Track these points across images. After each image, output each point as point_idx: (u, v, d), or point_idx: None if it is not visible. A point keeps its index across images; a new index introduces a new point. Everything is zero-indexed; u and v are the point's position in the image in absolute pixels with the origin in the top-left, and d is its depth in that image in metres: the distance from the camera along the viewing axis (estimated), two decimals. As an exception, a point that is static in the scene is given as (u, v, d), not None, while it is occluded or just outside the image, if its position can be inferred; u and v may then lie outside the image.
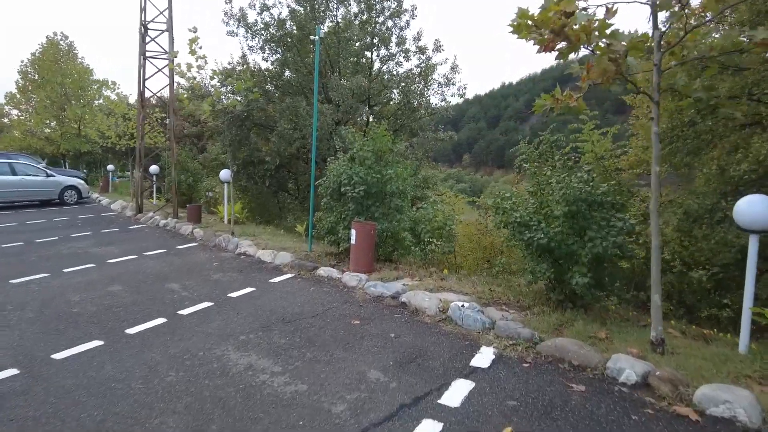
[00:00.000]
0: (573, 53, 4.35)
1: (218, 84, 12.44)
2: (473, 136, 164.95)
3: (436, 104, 12.89)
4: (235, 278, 7.35)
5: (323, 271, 7.29)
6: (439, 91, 12.76)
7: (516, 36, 4.50)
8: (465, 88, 12.90)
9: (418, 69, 12.53)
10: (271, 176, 16.13)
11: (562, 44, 4.26)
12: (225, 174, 14.00)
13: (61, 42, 29.26)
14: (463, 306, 5.32)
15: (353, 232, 7.38)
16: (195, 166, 21.31)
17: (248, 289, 6.69)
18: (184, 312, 5.76)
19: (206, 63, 10.05)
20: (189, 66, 9.83)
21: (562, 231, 5.48)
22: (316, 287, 6.77)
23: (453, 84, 12.80)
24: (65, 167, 34.56)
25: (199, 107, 10.82)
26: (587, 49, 4.32)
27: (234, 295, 6.45)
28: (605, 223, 5.51)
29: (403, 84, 12.11)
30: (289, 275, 7.49)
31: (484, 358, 4.42)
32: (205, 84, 12.21)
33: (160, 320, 5.46)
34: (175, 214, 15.28)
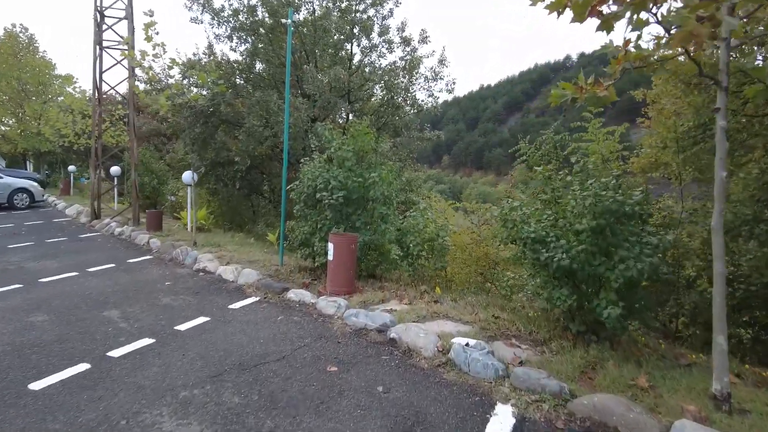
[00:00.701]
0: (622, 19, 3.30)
1: (180, 76, 11.15)
2: (452, 138, 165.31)
3: (422, 100, 11.90)
4: (188, 303, 6.13)
5: (294, 294, 6.12)
6: (425, 86, 11.74)
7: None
8: (454, 83, 11.89)
9: (403, 62, 11.48)
10: (242, 178, 14.84)
11: (613, 7, 3.21)
12: (187, 176, 12.66)
13: (21, 34, 27.19)
14: (467, 345, 4.25)
15: (330, 246, 6.25)
16: (160, 167, 19.82)
17: (201, 319, 5.48)
18: (116, 353, 4.55)
19: (165, 51, 8.73)
20: (144, 54, 8.51)
21: (587, 249, 4.47)
22: (285, 315, 5.60)
23: (441, 78, 11.77)
24: (27, 168, 32.45)
25: (156, 101, 9.53)
26: (651, 15, 3.29)
27: (183, 327, 5.24)
28: (636, 239, 4.54)
29: (387, 78, 11.03)
30: (253, 299, 6.30)
31: (502, 423, 3.35)
32: (163, 75, 10.93)
33: (83, 367, 4.24)
34: (136, 221, 13.86)
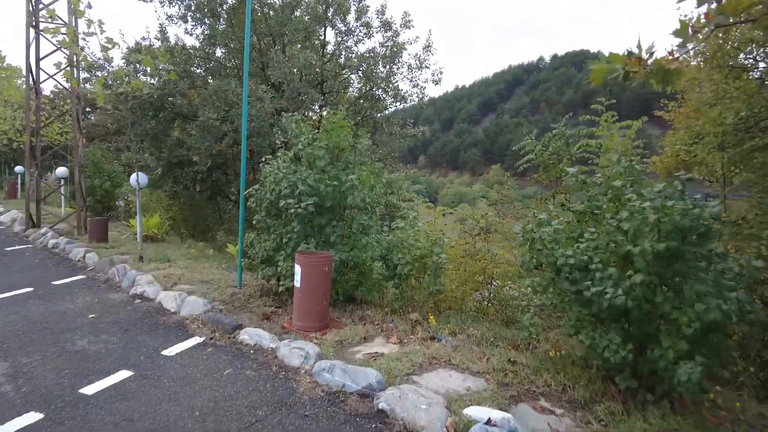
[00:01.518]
0: None
1: (123, 61, 9.54)
2: (428, 138, 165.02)
3: (406, 91, 10.60)
4: (109, 347, 4.66)
5: (248, 335, 4.70)
6: (409, 76, 10.45)
7: None
8: (441, 73, 10.62)
9: (384, 48, 10.18)
10: (203, 180, 13.23)
11: None
12: (134, 179, 11.04)
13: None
14: (490, 424, 2.97)
15: (297, 268, 4.89)
16: (114, 167, 17.95)
17: (121, 374, 4.04)
18: (-26, 443, 3.10)
19: (103, 31, 7.14)
20: (71, 32, 6.93)
21: (645, 281, 3.26)
22: (234, 368, 4.20)
23: (426, 67, 10.49)
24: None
25: (96, 89, 7.99)
26: None
27: (92, 389, 3.79)
28: (707, 264, 3.38)
29: (365, 66, 9.70)
30: (196, 339, 4.87)
31: None
32: (104, 60, 9.30)
33: None
34: (81, 229, 12.16)
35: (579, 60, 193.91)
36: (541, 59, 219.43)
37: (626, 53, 3.30)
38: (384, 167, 13.10)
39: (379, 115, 11.02)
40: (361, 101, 10.62)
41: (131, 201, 14.91)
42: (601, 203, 3.83)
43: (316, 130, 6.13)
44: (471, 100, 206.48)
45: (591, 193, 3.93)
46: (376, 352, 4.40)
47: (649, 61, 3.25)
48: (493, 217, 8.00)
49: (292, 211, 5.33)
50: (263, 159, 6.03)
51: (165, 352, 4.51)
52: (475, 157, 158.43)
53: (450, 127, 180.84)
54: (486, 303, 7.43)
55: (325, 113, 5.97)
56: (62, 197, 16.94)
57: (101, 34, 6.64)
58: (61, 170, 16.48)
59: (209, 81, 9.26)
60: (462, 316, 6.50)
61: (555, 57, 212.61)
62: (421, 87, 10.62)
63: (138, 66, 9.25)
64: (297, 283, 4.89)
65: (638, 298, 3.28)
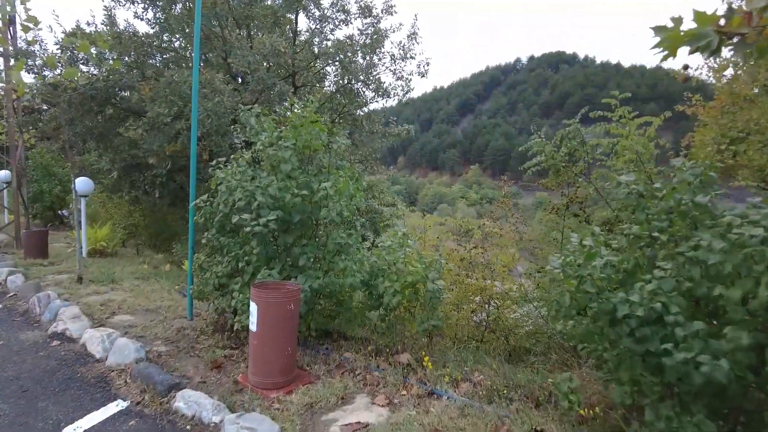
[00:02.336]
0: None
1: (57, 48, 8.15)
2: (407, 139, 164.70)
3: (389, 84, 9.45)
4: (-9, 421, 3.40)
5: (186, 402, 3.47)
6: (392, 67, 9.32)
7: None
8: (428, 64, 9.48)
9: (363, 36, 9.03)
10: (163, 184, 11.86)
11: None
12: (81, 184, 9.65)
13: None
14: None
15: (253, 307, 3.72)
16: (67, 171, 16.35)
17: (-10, 475, 2.81)
18: None
19: (28, 9, 5.80)
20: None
21: (751, 343, 2.23)
22: (159, 457, 3.01)
23: (412, 57, 9.36)
24: None
25: (14, 77, 6.65)
26: None
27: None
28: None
29: (342, 56, 8.53)
30: (118, 405, 3.64)
31: None
32: (36, 46, 7.91)
33: None
34: (20, 242, 10.70)
35: (555, 61, 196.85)
36: (518, 60, 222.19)
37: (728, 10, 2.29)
38: (365, 169, 11.96)
39: (359, 111, 9.85)
40: (339, 96, 9.46)
41: (90, 208, 13.43)
42: (666, 225, 2.78)
43: (283, 128, 4.97)
44: (449, 101, 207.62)
45: (652, 211, 2.87)
46: (359, 423, 3.27)
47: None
48: (491, 227, 6.95)
49: (248, 229, 4.16)
50: (214, 162, 4.83)
51: (69, 429, 3.28)
52: (454, 158, 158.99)
53: (429, 127, 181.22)
54: (484, 327, 6.38)
55: (293, 106, 4.81)
56: (4, 204, 15.29)
57: (25, 12, 5.33)
58: (3, 173, 14.84)
59: (165, 73, 7.99)
60: (460, 350, 5.43)
61: (531, 58, 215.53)
62: (406, 79, 9.52)
63: (75, 53, 7.89)
64: (253, 326, 3.72)
65: (741, 368, 2.25)
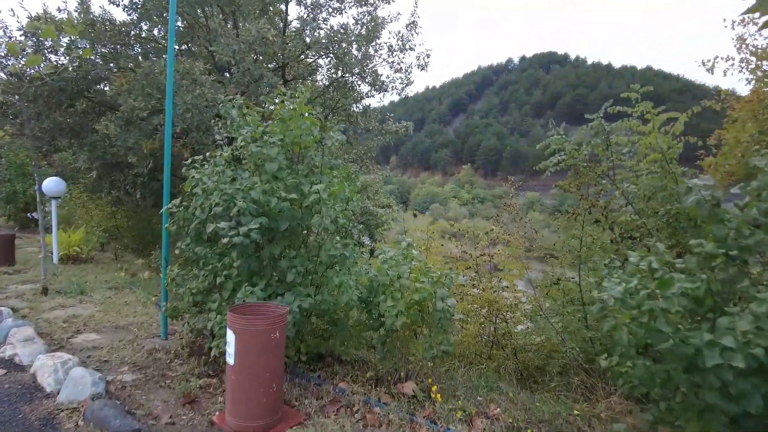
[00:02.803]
0: None
1: (22, 35, 7.40)
2: (400, 138, 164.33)
3: (387, 77, 8.81)
4: None
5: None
6: (390, 59, 8.64)
7: None
8: (428, 56, 8.84)
9: (359, 26, 8.38)
10: (145, 184, 11.12)
11: None
12: (50, 185, 8.95)
13: None
14: None
15: (230, 336, 3.09)
16: (45, 171, 15.52)
17: None
18: None
19: None
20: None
21: None
22: None
23: (411, 48, 8.70)
24: None
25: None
26: None
27: None
28: None
29: (335, 47, 7.87)
30: (62, 458, 2.99)
31: None
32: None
33: None
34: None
35: (546, 61, 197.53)
36: (509, 60, 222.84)
37: None
38: (359, 169, 11.33)
39: (354, 107, 9.19)
40: (332, 90, 8.81)
41: (64, 210, 12.67)
42: (753, 241, 2.19)
43: (270, 122, 4.34)
44: (441, 101, 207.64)
45: (733, 225, 2.28)
46: (359, 482, 2.65)
47: None
48: (499, 232, 6.36)
49: (226, 240, 3.52)
50: (188, 161, 4.18)
51: (-6, 495, 2.62)
52: (446, 158, 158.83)
53: (421, 127, 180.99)
54: (491, 345, 5.79)
55: (282, 97, 4.17)
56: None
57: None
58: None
59: (142, 64, 7.29)
60: (468, 372, 4.84)
61: (523, 58, 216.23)
62: (406, 71, 8.87)
63: (42, 41, 7.16)
64: (230, 358, 3.09)
65: None
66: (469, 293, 5.90)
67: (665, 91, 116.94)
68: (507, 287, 5.85)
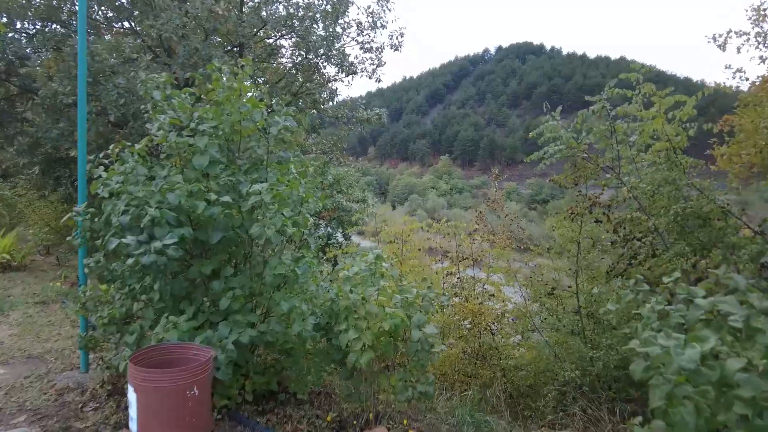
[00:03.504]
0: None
1: None
2: (377, 129, 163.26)
3: (356, 57, 7.90)
4: None
5: None
6: (359, 39, 7.75)
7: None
8: (402, 36, 8.01)
9: (324, 1, 7.44)
10: (91, 180, 9.90)
11: None
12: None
13: None
14: None
15: (132, 397, 2.25)
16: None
17: None
18: None
19: None
20: None
21: None
22: None
23: (383, 26, 7.81)
24: None
25: None
26: None
27: None
28: None
29: (297, 24, 6.93)
30: None
31: None
32: None
33: None
34: None
35: (522, 51, 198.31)
36: (486, 51, 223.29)
37: None
38: (329, 161, 10.45)
39: (321, 94, 8.25)
40: (295, 72, 7.89)
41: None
42: None
43: (200, 100, 3.48)
44: (419, 91, 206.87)
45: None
46: None
47: None
48: (483, 232, 5.64)
49: (131, 260, 2.68)
50: (91, 158, 3.29)
51: None
52: (424, 148, 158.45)
53: (399, 118, 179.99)
54: (476, 362, 5.08)
55: (216, 74, 3.31)
56: None
57: None
58: None
59: (68, 42, 6.26)
60: (452, 402, 4.13)
61: (500, 48, 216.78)
62: (377, 51, 7.98)
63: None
64: (132, 425, 2.26)
65: None
66: (450, 302, 5.16)
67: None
68: (493, 295, 5.14)
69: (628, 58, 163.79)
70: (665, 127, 4.21)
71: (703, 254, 4.11)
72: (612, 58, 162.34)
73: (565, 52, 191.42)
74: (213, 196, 2.98)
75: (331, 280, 3.67)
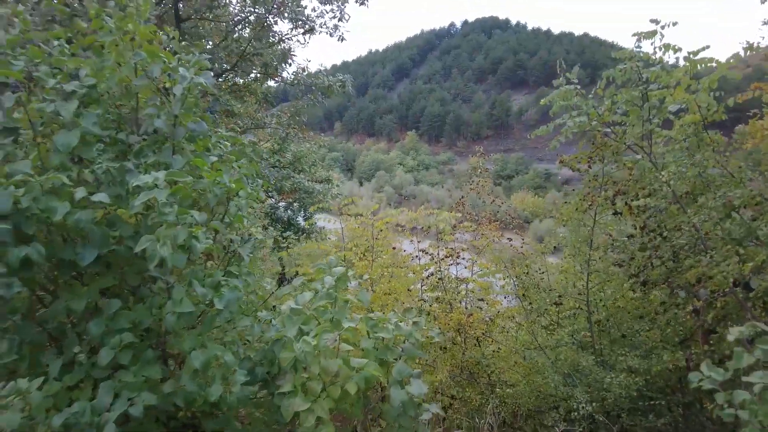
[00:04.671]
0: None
1: None
2: (343, 104, 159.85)
3: (314, 11, 6.67)
4: None
5: None
6: (317, -10, 6.50)
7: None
8: (367, -19, 6.82)
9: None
10: None
11: None
12: None
13: None
14: None
15: None
16: None
17: None
18: None
19: None
20: None
21: None
22: None
23: (344, -33, 6.58)
24: None
25: None
26: None
27: None
28: None
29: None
30: None
31: None
32: None
33: None
34: None
35: (489, 26, 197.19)
36: (452, 25, 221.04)
37: None
38: (286, 136, 9.26)
39: (272, 54, 6.92)
40: (242, 30, 6.58)
41: None
42: None
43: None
44: (385, 65, 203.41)
45: None
46: None
47: None
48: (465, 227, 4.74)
49: None
50: None
51: None
52: (390, 124, 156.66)
53: (365, 92, 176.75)
54: (464, 382, 4.25)
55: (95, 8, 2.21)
56: None
57: None
58: None
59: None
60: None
61: (465, 23, 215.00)
62: (339, 2, 6.68)
63: None
64: None
65: None
66: (431, 308, 4.28)
67: (600, 57, 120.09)
68: (482, 299, 4.29)
69: (592, 34, 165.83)
70: (701, 95, 3.36)
71: (737, 252, 3.36)
72: (576, 34, 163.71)
73: (530, 27, 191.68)
74: (81, 193, 1.92)
75: (274, 308, 2.66)
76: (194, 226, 1.95)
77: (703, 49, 3.43)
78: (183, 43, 2.44)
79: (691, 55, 3.50)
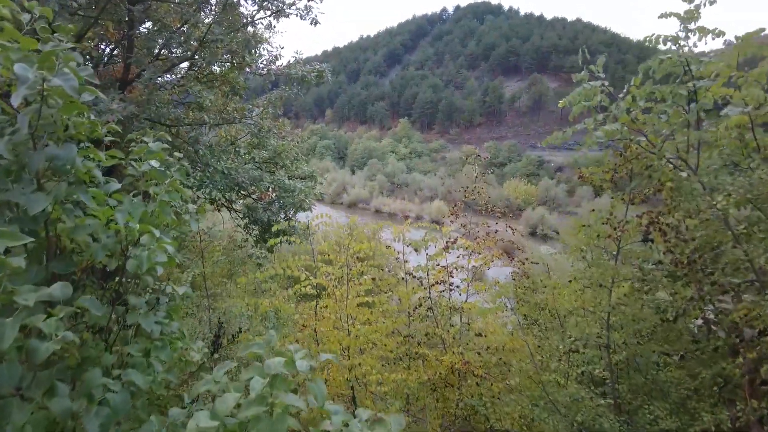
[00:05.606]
0: None
1: None
2: (335, 90, 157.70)
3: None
4: None
5: None
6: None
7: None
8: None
9: None
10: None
11: None
12: None
13: None
14: None
15: None
16: None
17: None
18: None
19: None
20: None
21: None
22: None
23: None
24: None
25: None
26: None
27: None
28: None
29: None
30: None
31: None
32: None
33: None
34: None
35: (481, 11, 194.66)
36: (444, 10, 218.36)
37: None
38: (269, 131, 8.47)
39: (237, 44, 6.03)
40: (200, 14, 5.74)
41: None
42: None
43: None
44: (376, 51, 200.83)
45: None
46: None
47: None
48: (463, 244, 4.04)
49: None
50: None
51: None
52: (382, 111, 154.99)
53: (357, 79, 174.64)
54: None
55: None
56: None
57: None
58: None
59: None
60: None
61: (458, 8, 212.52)
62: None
63: None
64: None
65: None
66: (419, 348, 3.60)
67: (593, 42, 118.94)
68: (480, 335, 3.62)
69: (584, 20, 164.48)
70: (750, 89, 2.66)
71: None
72: (568, 20, 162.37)
73: (522, 13, 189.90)
74: None
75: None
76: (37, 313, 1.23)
77: (759, 32, 2.72)
78: (57, 23, 1.69)
79: (740, 41, 2.79)
